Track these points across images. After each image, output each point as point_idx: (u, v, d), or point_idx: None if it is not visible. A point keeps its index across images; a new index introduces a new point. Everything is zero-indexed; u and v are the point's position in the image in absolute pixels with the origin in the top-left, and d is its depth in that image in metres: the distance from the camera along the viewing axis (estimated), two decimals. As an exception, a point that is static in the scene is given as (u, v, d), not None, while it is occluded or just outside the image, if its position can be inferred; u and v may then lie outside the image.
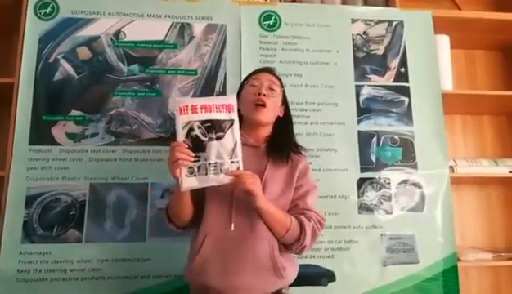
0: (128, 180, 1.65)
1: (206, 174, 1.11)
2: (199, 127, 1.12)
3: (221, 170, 1.12)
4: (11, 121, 1.64)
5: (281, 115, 1.33)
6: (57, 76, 1.71)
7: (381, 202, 1.74)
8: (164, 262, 1.59)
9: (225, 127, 1.15)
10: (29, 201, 1.59)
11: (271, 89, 1.29)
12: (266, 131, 1.31)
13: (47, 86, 1.69)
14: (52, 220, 1.59)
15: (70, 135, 1.67)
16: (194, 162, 1.10)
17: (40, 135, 1.65)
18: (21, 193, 1.59)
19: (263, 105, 1.25)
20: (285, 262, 1.20)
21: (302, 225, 1.18)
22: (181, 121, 1.11)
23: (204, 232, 1.19)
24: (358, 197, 1.74)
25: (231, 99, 1.19)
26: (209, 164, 1.11)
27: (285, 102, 1.36)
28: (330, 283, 1.66)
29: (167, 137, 1.70)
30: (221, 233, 1.18)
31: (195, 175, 1.10)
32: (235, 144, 1.15)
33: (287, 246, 1.20)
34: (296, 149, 1.32)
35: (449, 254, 1.73)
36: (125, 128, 1.70)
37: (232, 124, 1.16)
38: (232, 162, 1.13)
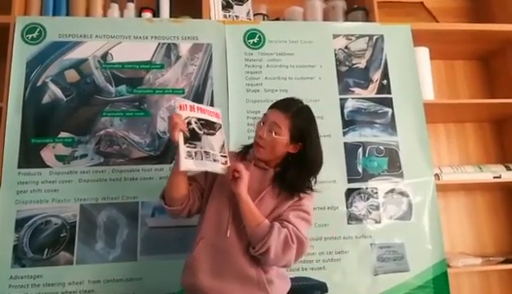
0: (118, 200, 1.66)
1: (202, 159, 1.24)
2: (196, 122, 1.28)
3: (214, 160, 1.27)
4: (-1, 145, 1.65)
5: (293, 151, 1.29)
6: (45, 99, 1.72)
7: (369, 212, 1.77)
8: (156, 281, 1.59)
9: (216, 128, 1.34)
10: (19, 224, 1.58)
11: (271, 130, 1.26)
12: (275, 160, 1.31)
13: (36, 109, 1.70)
14: (43, 242, 1.58)
15: (60, 157, 1.67)
16: (191, 148, 1.24)
17: (29, 158, 1.65)
18: (11, 216, 1.58)
19: (261, 146, 1.28)
20: (271, 276, 1.22)
21: (272, 226, 1.18)
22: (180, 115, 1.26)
23: (200, 235, 1.27)
24: (347, 207, 1.76)
25: (218, 109, 1.40)
26: (204, 152, 1.26)
27: (303, 139, 1.28)
28: (322, 295, 1.67)
29: (156, 156, 1.72)
30: (214, 240, 1.24)
31: (192, 159, 1.22)
32: (224, 143, 1.32)
33: (254, 246, 1.19)
34: (301, 189, 1.28)
35: (438, 261, 1.75)
36: (114, 148, 1.71)
37: (221, 127, 1.35)
38: (222, 155, 1.29)
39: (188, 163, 1.21)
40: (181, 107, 1.27)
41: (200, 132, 1.28)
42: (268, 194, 1.27)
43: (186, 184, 1.28)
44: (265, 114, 1.32)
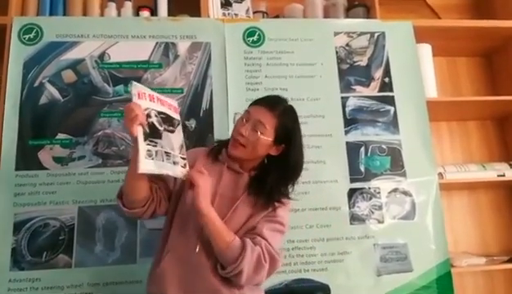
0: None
1: (163, 161, 1.09)
2: (156, 116, 1.12)
3: (174, 162, 1.12)
4: (-4, 147, 1.62)
5: (275, 153, 1.20)
6: (43, 100, 1.70)
7: (372, 212, 1.75)
8: (156, 283, 1.57)
9: (175, 124, 1.18)
10: (17, 227, 1.56)
11: (255, 129, 1.16)
12: (252, 163, 1.22)
13: (33, 110, 1.68)
14: (41, 245, 1.57)
15: (57, 159, 1.65)
16: (151, 146, 1.07)
17: (27, 160, 1.63)
18: (8, 219, 1.57)
19: (241, 144, 1.17)
20: (245, 291, 1.14)
21: (244, 247, 1.08)
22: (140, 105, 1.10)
23: (168, 247, 1.17)
24: (349, 207, 1.74)
25: (176, 102, 1.25)
26: (165, 152, 1.10)
27: (287, 141, 1.19)
28: (325, 297, 1.65)
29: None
30: (183, 254, 1.15)
31: (152, 159, 1.06)
32: (183, 143, 1.18)
33: (225, 268, 1.10)
34: (278, 197, 1.19)
35: (442, 261, 1.73)
36: (112, 149, 1.69)
37: (179, 124, 1.20)
38: (181, 157, 1.15)
39: (148, 164, 1.04)
40: (139, 95, 1.09)
41: (161, 128, 1.12)
42: (243, 202, 1.17)
43: (146, 185, 1.14)
44: (247, 111, 1.20)
